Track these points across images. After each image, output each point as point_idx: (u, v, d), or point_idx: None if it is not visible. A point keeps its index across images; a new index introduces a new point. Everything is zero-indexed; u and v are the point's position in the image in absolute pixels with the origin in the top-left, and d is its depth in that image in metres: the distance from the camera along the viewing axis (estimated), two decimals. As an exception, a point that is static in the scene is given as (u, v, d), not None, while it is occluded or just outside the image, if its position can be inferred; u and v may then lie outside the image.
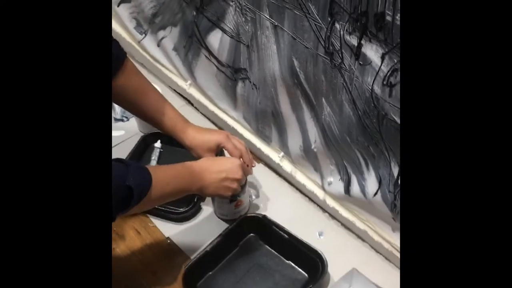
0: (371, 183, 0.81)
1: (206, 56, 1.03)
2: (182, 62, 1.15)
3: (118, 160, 0.74)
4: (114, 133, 1.20)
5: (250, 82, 0.95)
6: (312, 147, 0.90)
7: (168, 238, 0.98)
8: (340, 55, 0.70)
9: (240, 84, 0.99)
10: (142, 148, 1.14)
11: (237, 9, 0.85)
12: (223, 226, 0.98)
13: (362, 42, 0.65)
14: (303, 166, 0.98)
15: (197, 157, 0.93)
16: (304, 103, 0.85)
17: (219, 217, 1.01)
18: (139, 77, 0.90)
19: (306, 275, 0.90)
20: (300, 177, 1.00)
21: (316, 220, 0.99)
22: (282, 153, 1.02)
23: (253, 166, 0.96)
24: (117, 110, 1.22)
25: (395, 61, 0.62)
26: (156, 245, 0.97)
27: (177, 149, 1.13)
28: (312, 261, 0.89)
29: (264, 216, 0.94)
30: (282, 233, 0.92)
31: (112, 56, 0.84)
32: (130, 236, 0.99)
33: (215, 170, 0.85)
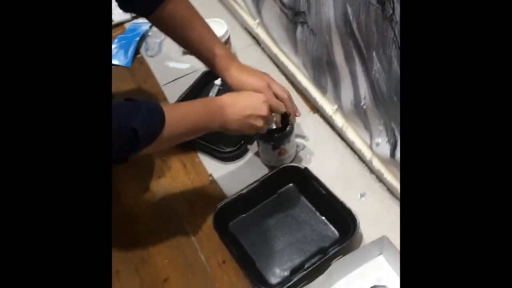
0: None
1: (271, -5, 0.99)
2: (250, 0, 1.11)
3: (129, 99, 0.72)
4: (180, 66, 1.22)
5: (308, 26, 0.90)
6: (362, 103, 0.84)
7: (210, 175, 0.99)
8: (391, 5, 0.63)
9: (299, 28, 0.94)
10: (202, 83, 1.15)
11: None
12: (266, 171, 0.98)
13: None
14: (354, 122, 0.92)
15: None
16: (356, 55, 0.79)
17: (263, 162, 1.00)
18: (187, 6, 0.87)
19: (338, 234, 0.88)
20: (350, 133, 0.95)
21: (361, 180, 0.95)
22: (336, 106, 0.97)
23: (298, 116, 0.91)
24: (186, 43, 1.22)
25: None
26: (199, 180, 0.99)
27: (238, 89, 1.13)
28: (345, 221, 0.85)
29: (306, 168, 0.92)
30: (320, 188, 0.89)
31: None
32: (175, 167, 1.02)
33: (239, 106, 0.80)
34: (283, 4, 0.96)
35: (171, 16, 0.85)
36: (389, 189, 0.91)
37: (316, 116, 1.05)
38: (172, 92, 1.15)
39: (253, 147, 1.01)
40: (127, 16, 1.34)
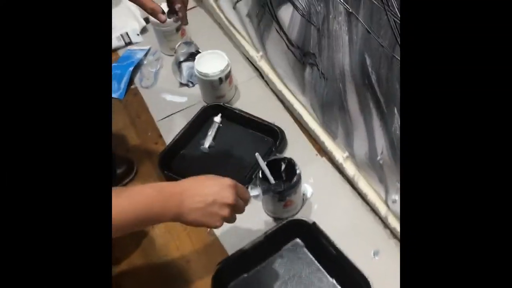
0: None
1: (277, 31, 0.91)
2: (254, 30, 1.03)
3: None
4: (177, 99, 1.13)
5: (319, 70, 0.81)
6: (378, 158, 0.76)
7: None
8: (420, 64, 0.55)
9: (308, 69, 0.86)
10: (201, 120, 1.07)
11: (310, -15, 0.71)
12: (271, 224, 0.90)
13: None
14: (368, 173, 0.84)
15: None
16: (374, 108, 0.70)
17: (267, 213, 0.92)
18: None
19: (349, 299, 0.80)
20: (363, 184, 0.87)
21: (374, 235, 0.86)
22: (346, 153, 0.89)
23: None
24: (184, 74, 1.14)
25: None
26: (196, 232, 0.91)
27: (238, 126, 1.05)
28: (357, 285, 0.77)
29: (314, 223, 0.83)
30: (330, 247, 0.81)
31: None
32: (171, 217, 0.93)
33: (199, 192, 0.66)
34: (290, 41, 0.87)
35: None
36: (406, 248, 0.83)
37: (325, 160, 0.97)
38: (168, 129, 1.07)
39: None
40: (121, 42, 1.25)
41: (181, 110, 1.11)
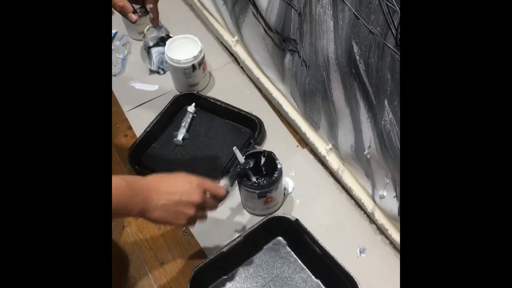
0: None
1: (254, 14, 0.84)
2: (229, 13, 0.96)
3: None
4: (147, 87, 1.06)
5: (300, 57, 0.75)
6: (365, 152, 0.71)
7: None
8: (416, 53, 0.49)
9: (288, 56, 0.80)
10: (174, 110, 1.00)
11: (291, -36, 0.64)
12: (251, 220, 0.84)
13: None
14: (353, 166, 0.79)
15: None
16: (361, 99, 0.65)
17: (246, 210, 0.86)
18: None
19: (335, 300, 0.75)
20: (348, 178, 0.82)
21: (360, 231, 0.82)
22: (330, 145, 0.84)
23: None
24: (154, 60, 1.06)
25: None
26: (170, 231, 0.85)
27: (213, 116, 0.99)
28: (343, 285, 0.73)
29: (297, 220, 0.78)
30: (314, 245, 0.76)
31: None
32: (143, 216, 0.87)
33: (166, 190, 0.65)
34: (268, 26, 0.81)
35: None
36: (393, 244, 0.79)
37: (306, 152, 0.92)
38: (138, 120, 0.99)
39: (235, 192, 0.87)
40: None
41: (151, 100, 1.03)
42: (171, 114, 0.99)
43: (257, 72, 0.97)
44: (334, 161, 0.84)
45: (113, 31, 1.15)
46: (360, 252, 0.80)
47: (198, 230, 0.84)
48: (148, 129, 0.95)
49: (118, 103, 1.03)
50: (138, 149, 0.94)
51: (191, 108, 0.99)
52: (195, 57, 0.97)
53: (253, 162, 0.80)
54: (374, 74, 0.58)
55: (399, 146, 0.61)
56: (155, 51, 1.06)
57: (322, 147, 0.85)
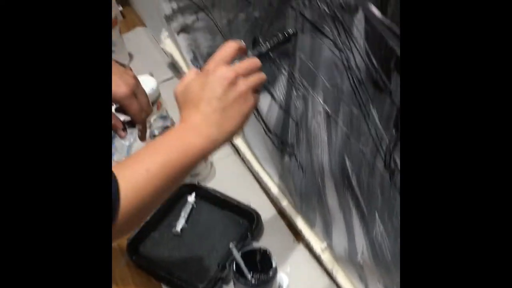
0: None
1: (255, 114, 0.89)
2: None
3: None
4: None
5: (297, 160, 0.79)
6: (358, 258, 0.72)
7: (178, 320, 0.85)
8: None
9: (286, 158, 0.84)
10: (174, 199, 1.02)
11: (290, 80, 0.69)
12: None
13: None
14: (347, 267, 0.81)
15: None
16: (354, 208, 0.68)
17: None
18: None
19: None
20: (342, 278, 0.83)
21: (354, 333, 0.82)
22: (325, 244, 0.85)
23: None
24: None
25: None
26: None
27: (212, 207, 1.01)
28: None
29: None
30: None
31: None
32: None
33: (208, 94, 0.56)
34: (267, 128, 0.85)
35: None
36: None
37: (302, 247, 0.93)
38: (139, 208, 1.02)
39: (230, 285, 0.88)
40: (94, 112, 1.22)
41: (153, 188, 1.06)
42: (171, 203, 1.02)
43: (257, 166, 1.01)
44: (328, 260, 0.85)
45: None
46: None
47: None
48: (148, 218, 0.97)
49: (120, 190, 1.06)
50: (136, 238, 0.95)
51: (191, 199, 1.02)
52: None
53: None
54: (365, 188, 0.62)
55: (390, 259, 0.63)
56: (159, 140, 1.10)
57: (318, 244, 0.87)
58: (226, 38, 0.86)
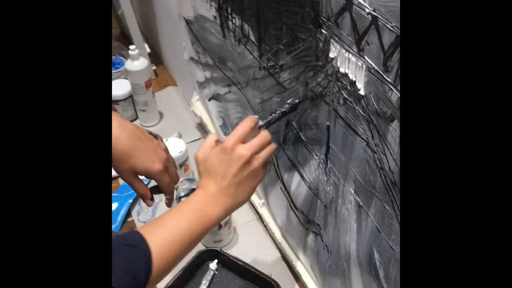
0: None
1: (281, 189, 0.90)
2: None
3: None
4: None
5: (323, 241, 0.80)
6: None
7: None
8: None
9: (311, 236, 0.84)
10: (196, 265, 1.03)
11: (321, 165, 0.71)
12: None
13: None
14: None
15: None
16: (380, 299, 0.67)
17: None
18: None
19: None
20: None
21: None
22: (347, 326, 0.84)
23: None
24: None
25: None
26: None
27: (233, 275, 1.01)
28: None
29: None
30: None
31: None
32: None
33: (225, 170, 0.66)
34: (294, 205, 0.87)
35: None
36: None
37: (322, 326, 0.92)
38: (161, 272, 1.02)
39: None
40: (122, 170, 1.25)
41: (176, 251, 1.07)
42: (192, 269, 1.02)
43: (279, 237, 1.02)
44: None
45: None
46: None
47: None
48: (170, 283, 0.98)
49: (144, 251, 1.07)
50: (157, 304, 0.96)
51: (213, 265, 1.02)
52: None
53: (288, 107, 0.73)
54: (393, 283, 0.62)
55: None
56: (185, 203, 1.12)
57: (339, 326, 0.86)
58: (257, 114, 0.88)
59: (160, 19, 1.49)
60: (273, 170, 0.91)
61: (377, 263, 0.64)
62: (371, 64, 0.50)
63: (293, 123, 0.75)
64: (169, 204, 0.85)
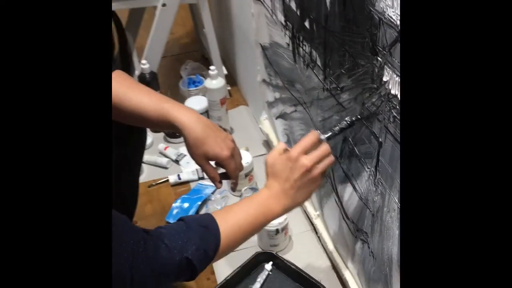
0: None
1: (335, 201, 1.00)
2: (315, 193, 1.13)
3: (180, 219, 0.75)
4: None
5: (369, 248, 0.88)
6: None
7: None
8: None
9: (359, 243, 0.93)
10: (252, 265, 1.14)
11: (371, 177, 0.80)
12: None
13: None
14: None
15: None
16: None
17: None
18: (119, 83, 0.82)
19: None
20: None
21: None
22: (387, 331, 0.91)
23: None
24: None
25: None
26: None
27: (286, 277, 1.11)
28: None
29: None
30: None
31: None
32: None
33: (289, 175, 0.78)
34: (345, 214, 0.96)
35: None
36: None
37: (364, 331, 0.99)
38: (221, 268, 1.14)
39: None
40: (194, 176, 1.39)
41: (235, 251, 1.18)
42: (249, 268, 1.13)
43: (331, 246, 1.10)
44: None
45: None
46: None
47: None
48: (228, 277, 1.09)
49: (207, 248, 1.20)
50: (217, 294, 1.07)
51: (268, 266, 1.12)
52: (280, 223, 1.13)
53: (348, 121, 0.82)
54: None
55: None
56: (247, 209, 1.24)
57: (380, 330, 0.93)
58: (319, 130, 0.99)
59: (238, 45, 1.65)
60: (329, 183, 1.01)
61: (415, 266, 0.71)
62: (415, 87, 0.60)
63: (350, 138, 0.85)
64: (233, 188, 0.97)
